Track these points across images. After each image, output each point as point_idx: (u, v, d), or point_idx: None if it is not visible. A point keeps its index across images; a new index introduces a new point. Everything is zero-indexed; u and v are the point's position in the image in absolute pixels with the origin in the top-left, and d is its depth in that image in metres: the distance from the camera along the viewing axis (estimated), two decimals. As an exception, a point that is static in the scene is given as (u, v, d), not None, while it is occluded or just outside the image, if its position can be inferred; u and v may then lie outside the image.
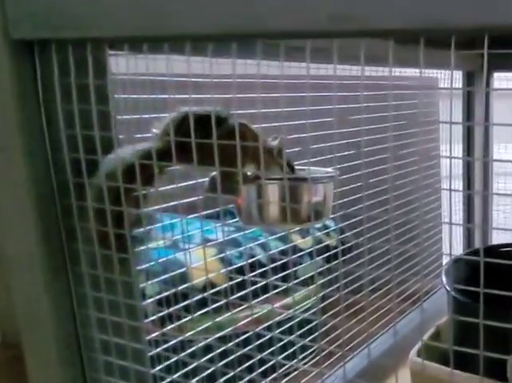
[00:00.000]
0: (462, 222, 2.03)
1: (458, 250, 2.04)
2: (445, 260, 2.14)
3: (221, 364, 0.93)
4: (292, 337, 1.26)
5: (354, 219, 1.42)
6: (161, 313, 0.99)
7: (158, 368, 0.90)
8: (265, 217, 0.93)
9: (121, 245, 0.68)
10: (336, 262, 1.48)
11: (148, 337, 0.86)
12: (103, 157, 0.67)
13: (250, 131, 0.80)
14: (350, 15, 0.48)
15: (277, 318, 1.36)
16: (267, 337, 1.16)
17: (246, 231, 1.35)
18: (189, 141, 0.64)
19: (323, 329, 1.41)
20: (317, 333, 1.43)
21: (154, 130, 0.76)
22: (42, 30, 0.62)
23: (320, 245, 1.66)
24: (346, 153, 1.08)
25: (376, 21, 0.48)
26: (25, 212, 0.67)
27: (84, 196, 0.68)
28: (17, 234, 0.70)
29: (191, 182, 0.84)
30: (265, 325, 1.23)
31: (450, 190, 0.60)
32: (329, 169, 0.99)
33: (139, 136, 0.79)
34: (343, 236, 1.64)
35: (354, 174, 1.20)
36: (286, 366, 1.14)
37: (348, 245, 1.54)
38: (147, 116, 0.74)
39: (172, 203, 0.90)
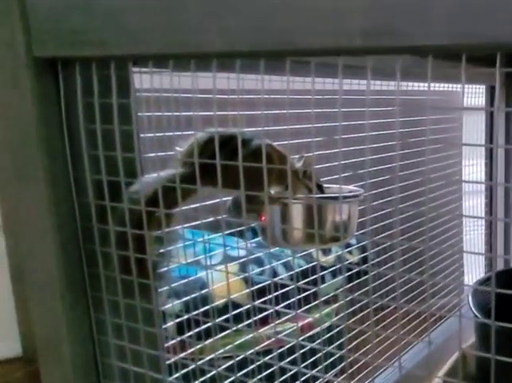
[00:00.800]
0: (485, 238, 2.00)
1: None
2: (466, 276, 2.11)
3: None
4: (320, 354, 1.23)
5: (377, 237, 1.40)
6: (182, 337, 0.97)
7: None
8: (289, 237, 0.91)
9: (143, 270, 0.66)
10: (358, 281, 1.45)
11: (168, 362, 0.83)
12: (125, 178, 0.65)
13: (275, 151, 0.77)
14: (385, 31, 0.45)
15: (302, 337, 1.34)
16: (294, 356, 1.13)
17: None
18: (213, 164, 0.62)
19: (350, 345, 1.38)
20: (342, 352, 1.40)
21: (177, 148, 0.74)
22: (66, 48, 0.60)
23: (344, 263, 1.63)
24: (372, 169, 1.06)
25: (415, 38, 0.44)
26: (45, 235, 0.65)
27: (105, 220, 0.66)
28: (37, 257, 0.68)
29: (212, 201, 0.82)
30: (290, 344, 1.20)
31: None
32: (353, 187, 0.97)
33: (162, 154, 0.77)
34: (365, 254, 1.61)
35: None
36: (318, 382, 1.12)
37: (372, 262, 1.51)
38: (171, 133, 0.71)
39: (194, 223, 0.88)
